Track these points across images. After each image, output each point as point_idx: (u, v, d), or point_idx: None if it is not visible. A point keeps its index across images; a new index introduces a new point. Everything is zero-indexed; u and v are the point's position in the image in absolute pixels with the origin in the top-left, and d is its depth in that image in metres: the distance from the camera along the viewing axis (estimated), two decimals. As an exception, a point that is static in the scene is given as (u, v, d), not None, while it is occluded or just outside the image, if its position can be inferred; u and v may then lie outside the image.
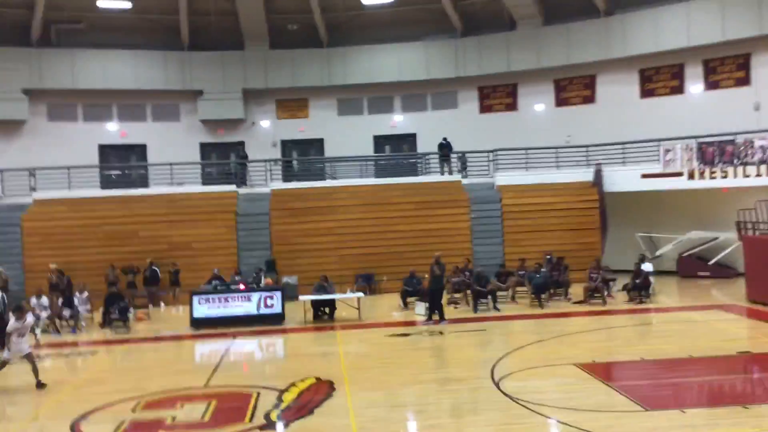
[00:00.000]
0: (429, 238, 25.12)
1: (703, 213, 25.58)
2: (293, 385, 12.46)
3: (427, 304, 19.01)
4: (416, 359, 14.60)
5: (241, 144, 31.57)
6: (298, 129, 32.00)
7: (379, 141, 32.14)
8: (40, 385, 12.57)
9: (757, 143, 22.66)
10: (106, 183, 30.02)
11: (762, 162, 22.45)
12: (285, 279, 23.54)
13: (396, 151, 32.12)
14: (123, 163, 31.54)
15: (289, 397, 11.72)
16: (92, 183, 28.80)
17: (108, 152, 31.58)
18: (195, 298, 19.33)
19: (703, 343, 14.51)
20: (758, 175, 22.52)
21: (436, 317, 18.39)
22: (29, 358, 12.66)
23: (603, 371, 12.63)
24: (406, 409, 11.26)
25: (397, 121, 32.15)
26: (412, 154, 31.39)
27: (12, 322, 12.67)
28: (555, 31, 29.56)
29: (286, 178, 29.61)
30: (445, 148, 28.95)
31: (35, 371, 12.67)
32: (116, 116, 31.56)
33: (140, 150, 31.65)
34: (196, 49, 31.46)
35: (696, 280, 24.68)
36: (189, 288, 21.53)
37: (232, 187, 27.71)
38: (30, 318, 12.97)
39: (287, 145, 32.33)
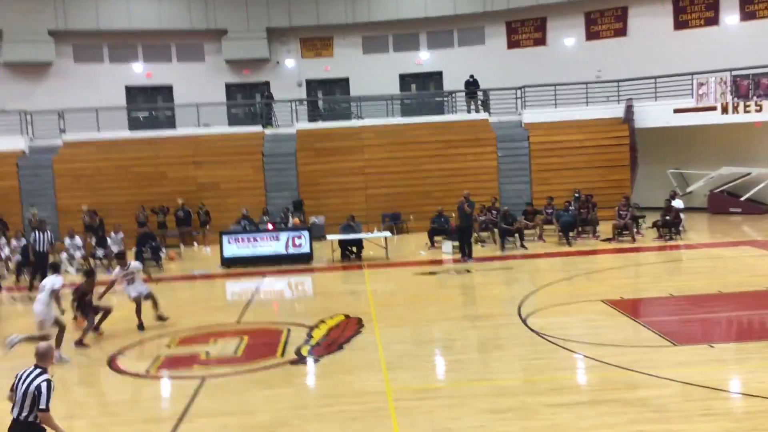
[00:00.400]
0: (455, 177, 25.03)
1: (736, 148, 25.07)
2: (322, 322, 12.67)
3: (456, 243, 19.04)
4: (443, 297, 14.72)
5: (267, 84, 31.40)
6: (324, 68, 31.68)
7: (405, 79, 31.74)
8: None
9: (795, 75, 21.98)
10: (133, 124, 30.18)
11: (799, 95, 21.81)
12: (312, 219, 23.70)
13: (422, 90, 31.74)
14: (149, 104, 31.60)
15: (318, 334, 11.94)
16: (120, 124, 28.98)
17: (134, 93, 31.65)
18: (225, 238, 19.57)
19: (732, 279, 14.40)
20: (794, 108, 21.91)
21: (468, 254, 18.45)
22: (151, 297, 13.01)
23: (631, 307, 12.64)
24: (433, 344, 11.41)
25: (423, 59, 31.65)
26: (438, 93, 31.00)
27: (117, 271, 13.03)
28: (586, -40, 28.66)
29: (312, 117, 29.50)
30: (471, 86, 28.52)
31: (155, 306, 12.99)
32: (141, 57, 31.49)
33: (166, 91, 31.66)
34: (219, -12, 31.09)
35: (727, 216, 24.36)
36: (218, 228, 21.79)
37: (258, 128, 27.71)
38: (134, 264, 13.20)
39: (312, 85, 32.09)
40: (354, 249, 19.74)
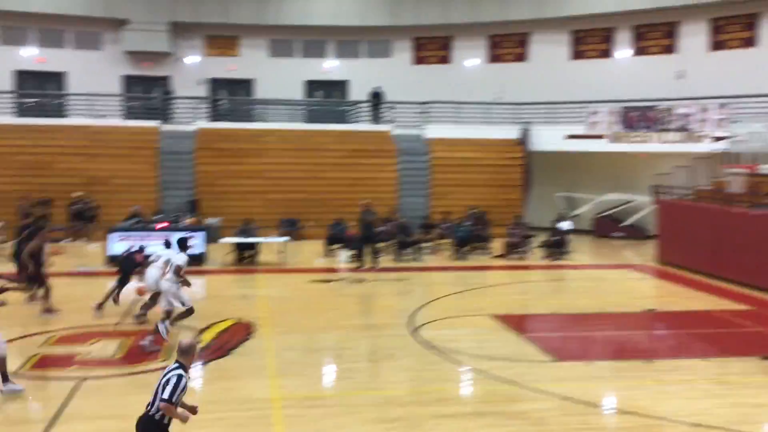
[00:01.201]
0: (356, 187, 25.10)
1: (621, 176, 26.41)
2: (212, 325, 12.37)
3: (354, 252, 19.13)
4: (337, 305, 14.70)
5: (167, 79, 30.51)
6: (228, 67, 31.12)
7: (311, 86, 31.64)
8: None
9: (678, 110, 23.41)
10: (21, 111, 28.55)
11: (681, 129, 23.24)
12: (208, 220, 23.15)
13: (327, 97, 31.72)
14: (40, 90, 30.04)
15: (207, 337, 11.65)
16: (6, 110, 27.38)
17: (25, 78, 29.99)
18: (112, 235, 18.79)
19: (612, 300, 15.13)
20: (676, 141, 23.33)
21: (366, 264, 18.54)
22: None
23: (517, 323, 13.04)
24: (324, 353, 11.36)
25: (330, 67, 31.66)
26: (344, 101, 31.07)
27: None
28: (491, -15, 29.53)
29: (214, 117, 28.88)
30: (376, 97, 28.77)
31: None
32: (35, 41, 29.91)
33: (59, 78, 30.18)
34: (122, -25, 30.02)
35: (610, 240, 25.60)
36: (108, 224, 20.91)
37: (156, 123, 26.86)
38: None
39: (215, 84, 31.44)
40: (250, 253, 19.42)
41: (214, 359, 10.51)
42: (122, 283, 13.17)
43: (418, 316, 13.33)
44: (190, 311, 11.69)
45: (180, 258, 11.45)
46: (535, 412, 8.46)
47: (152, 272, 12.04)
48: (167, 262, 11.50)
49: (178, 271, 11.31)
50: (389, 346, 11.51)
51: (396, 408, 8.58)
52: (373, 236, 18.98)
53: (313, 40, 31.36)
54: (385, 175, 25.95)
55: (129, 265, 13.13)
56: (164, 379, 6.09)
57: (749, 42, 25.13)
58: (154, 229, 19.43)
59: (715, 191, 18.85)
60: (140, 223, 20.47)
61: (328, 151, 25.99)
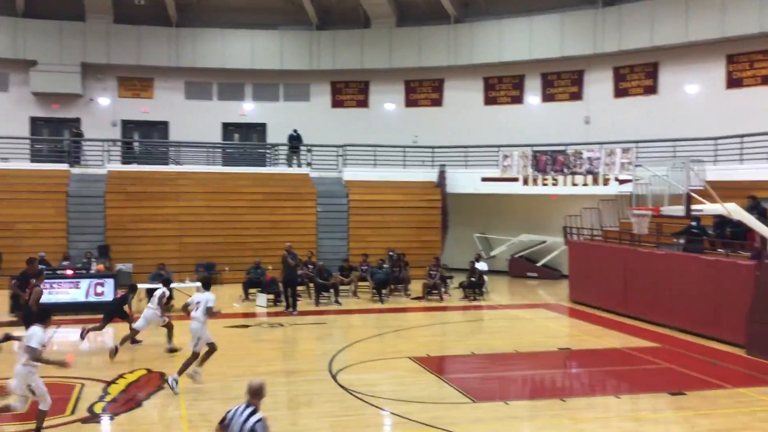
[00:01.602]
0: (274, 230, 24.90)
1: (534, 217, 27.20)
2: (121, 377, 11.87)
3: (271, 296, 18.90)
4: (255, 351, 14.40)
5: (77, 121, 29.67)
6: (142, 109, 30.55)
7: (228, 128, 31.39)
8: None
9: (585, 155, 24.39)
10: None
11: (589, 172, 24.19)
12: (119, 266, 22.39)
13: (245, 140, 31.52)
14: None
15: (116, 389, 11.16)
16: None
17: None
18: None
19: (528, 339, 15.40)
20: (585, 184, 24.25)
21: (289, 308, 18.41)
22: None
23: (436, 365, 13.09)
24: (241, 400, 11.03)
25: (248, 110, 31.54)
26: (261, 144, 30.92)
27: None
28: (407, 33, 30.23)
29: (126, 160, 28.19)
30: (295, 140, 28.79)
31: None
32: (-67, 80, 28.62)
33: (-39, 119, 28.87)
34: (31, 17, 29.18)
35: (525, 280, 26.18)
36: (12, 272, 19.89)
37: (64, 166, 25.96)
38: None
39: (128, 126, 30.76)
40: (162, 299, 18.81)
41: (125, 411, 10.06)
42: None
43: (338, 360, 13.20)
44: (212, 348, 11.61)
45: (211, 298, 11.50)
46: (454, 455, 8.45)
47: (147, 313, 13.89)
48: (195, 302, 11.61)
49: (208, 311, 11.38)
50: (309, 392, 11.33)
51: (314, 456, 8.41)
52: (295, 279, 18.85)
53: (229, 83, 31.21)
54: (304, 217, 25.85)
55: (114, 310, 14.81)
56: (247, 428, 5.83)
57: (650, 89, 26.55)
58: (61, 276, 18.63)
59: (622, 232, 19.63)
60: (47, 270, 19.59)
61: (246, 194, 25.72)
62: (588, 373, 12.98)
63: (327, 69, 30.77)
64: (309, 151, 28.49)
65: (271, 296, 19.60)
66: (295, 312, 18.23)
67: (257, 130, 31.52)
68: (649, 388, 11.46)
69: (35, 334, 8.60)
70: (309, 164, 28.31)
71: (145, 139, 30.81)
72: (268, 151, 30.06)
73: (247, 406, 6.08)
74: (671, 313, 16.19)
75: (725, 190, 16.85)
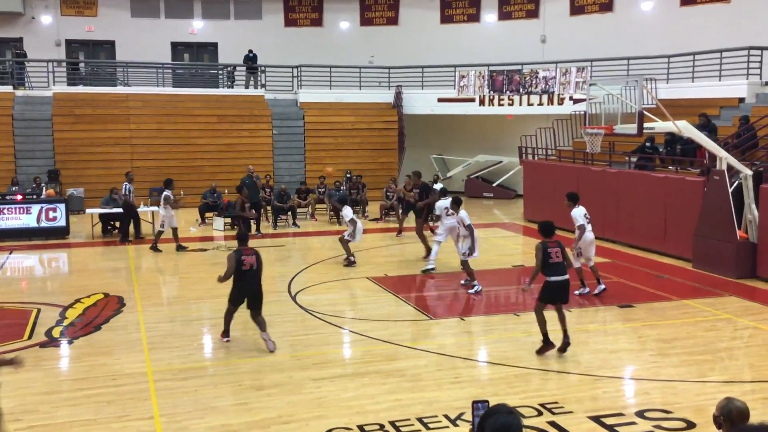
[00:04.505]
0: (229, 153, 24.58)
1: (491, 138, 27.30)
2: (78, 301, 11.81)
3: (228, 219, 18.85)
4: (213, 274, 14.33)
5: (19, 41, 28.37)
6: (86, 28, 29.30)
7: (178, 48, 30.39)
8: None
9: (541, 74, 24.38)
10: None
11: (544, 92, 24.24)
12: (70, 191, 21.95)
13: (195, 60, 30.61)
14: None
15: (73, 314, 11.12)
16: None
17: None
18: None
19: (483, 258, 15.58)
20: (540, 103, 24.33)
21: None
22: None
23: (394, 284, 13.30)
24: (201, 323, 11.15)
25: (197, 28, 30.49)
26: (214, 65, 30.07)
27: None
28: (362, -53, 29.35)
29: (72, 81, 27.21)
30: (251, 61, 28.05)
31: None
32: None
33: None
34: (-39, -73, 27.45)
35: (481, 200, 26.49)
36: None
37: (8, 89, 24.97)
38: None
39: (73, 46, 29.54)
40: (117, 224, 18.62)
41: (83, 335, 10.06)
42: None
43: (297, 282, 13.32)
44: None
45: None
46: (411, 369, 8.70)
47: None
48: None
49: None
50: (268, 313, 11.39)
51: (275, 374, 8.58)
52: (260, 202, 18.84)
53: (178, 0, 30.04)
54: (260, 140, 25.50)
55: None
56: None
57: (607, 7, 26.39)
58: (10, 201, 18.21)
59: (576, 151, 19.87)
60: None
61: (199, 117, 25.20)
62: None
63: (279, -15, 29.79)
64: (263, 72, 27.85)
65: (228, 220, 19.50)
66: (259, 234, 18.22)
67: (208, 50, 30.60)
68: (599, 301, 11.86)
69: None
70: (263, 86, 27.73)
71: (91, 59, 29.68)
72: (220, 71, 29.29)
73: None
74: (623, 230, 16.63)
75: (677, 108, 17.10)
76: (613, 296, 12.10)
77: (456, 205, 12.90)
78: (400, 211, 19.30)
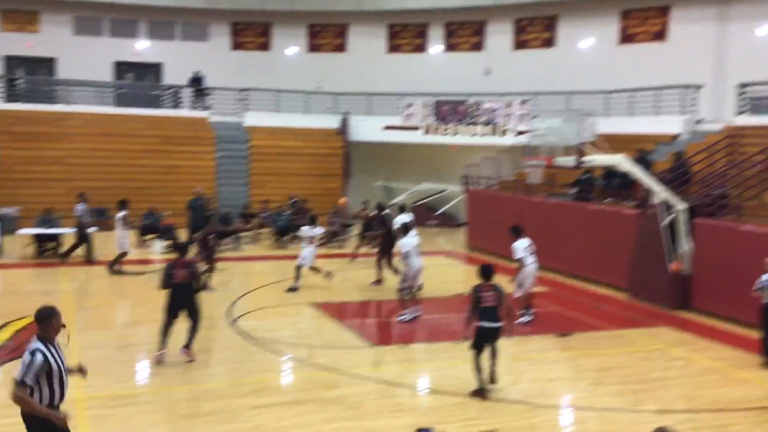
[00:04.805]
0: (171, 175, 24.22)
1: (435, 166, 27.60)
2: (7, 324, 11.35)
3: (167, 242, 18.50)
4: (150, 298, 14.05)
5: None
6: (27, 44, 28.61)
7: (121, 68, 29.91)
8: None
9: (485, 105, 24.83)
10: None
11: (488, 123, 24.68)
12: (2, 210, 21.22)
13: (139, 80, 30.16)
14: None
15: (2, 337, 10.67)
16: None
17: None
18: None
19: (426, 285, 15.68)
20: (484, 134, 24.75)
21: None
22: None
23: (336, 310, 13.23)
24: (135, 348, 10.85)
25: (142, 48, 30.11)
26: (159, 85, 29.66)
27: None
28: (311, -25, 29.54)
29: (10, 98, 26.45)
30: (196, 82, 27.78)
31: None
32: None
33: None
34: None
35: (425, 228, 26.62)
36: None
37: (-59, 104, 24.15)
38: None
39: (12, 62, 28.78)
40: (52, 245, 18.07)
41: (11, 360, 9.65)
42: None
43: (237, 307, 13.12)
44: None
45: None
46: (351, 397, 8.64)
47: None
48: None
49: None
50: (206, 339, 11.22)
51: (212, 401, 8.40)
52: (204, 225, 18.48)
53: (122, 19, 29.64)
54: (202, 163, 25.20)
55: None
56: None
57: (549, 43, 27.17)
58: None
59: (517, 181, 20.24)
60: None
61: (140, 137, 24.78)
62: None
63: (226, 9, 29.69)
64: (208, 94, 27.62)
65: (169, 242, 19.13)
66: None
67: (153, 70, 30.20)
68: (538, 331, 12.02)
69: None
70: (208, 108, 27.48)
71: (30, 75, 28.93)
72: (164, 92, 28.91)
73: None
74: (561, 260, 16.93)
75: (616, 142, 17.58)
76: (550, 325, 12.28)
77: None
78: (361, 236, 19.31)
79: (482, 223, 20.84)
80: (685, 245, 13.86)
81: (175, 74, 28.84)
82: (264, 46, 30.64)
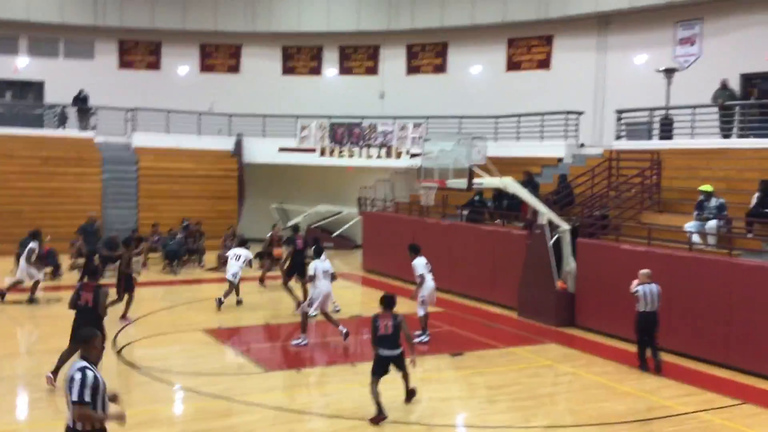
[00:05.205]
0: (54, 198, 23.09)
1: (331, 188, 27.63)
2: None
3: (49, 268, 17.58)
4: (30, 328, 13.31)
5: None
6: None
7: (-1, 85, 28.36)
8: None
9: (380, 128, 25.14)
10: None
11: (383, 145, 24.98)
12: None
13: (19, 99, 28.65)
14: None
15: None
16: None
17: None
18: None
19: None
20: (379, 156, 25.04)
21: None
22: None
23: (228, 336, 12.94)
24: (11, 382, 10.22)
25: (22, 66, 28.63)
26: (40, 104, 28.24)
27: None
28: (203, -6, 29.12)
29: None
30: (81, 102, 26.65)
31: None
32: None
33: None
34: None
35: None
36: None
37: None
38: None
39: None
40: None
41: None
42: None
43: (124, 335, 12.59)
44: None
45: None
46: (243, 425, 8.43)
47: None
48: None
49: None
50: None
51: (96, 436, 7.97)
52: (97, 250, 17.79)
53: (1, 35, 28.13)
54: (88, 185, 24.15)
55: None
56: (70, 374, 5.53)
57: (440, 68, 27.87)
58: None
59: (412, 203, 20.54)
60: None
61: (19, 158, 23.53)
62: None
63: (114, 26, 28.70)
64: (94, 113, 26.58)
65: (49, 269, 18.17)
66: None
67: (34, 88, 28.77)
68: (433, 350, 12.17)
69: None
70: (94, 128, 26.43)
71: None
72: (46, 111, 27.57)
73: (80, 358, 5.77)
74: (455, 280, 17.24)
75: (504, 165, 18.17)
76: (444, 345, 12.48)
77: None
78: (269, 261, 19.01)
79: (378, 244, 20.99)
80: (570, 264, 14.45)
81: (58, 93, 27.51)
82: (154, 65, 29.84)
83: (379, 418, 8.72)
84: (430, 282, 12.62)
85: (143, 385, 9.97)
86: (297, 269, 15.21)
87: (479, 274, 16.82)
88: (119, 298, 13.75)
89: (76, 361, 5.64)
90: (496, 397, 9.86)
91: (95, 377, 5.49)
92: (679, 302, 12.05)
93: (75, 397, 5.38)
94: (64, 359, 9.40)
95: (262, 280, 18.55)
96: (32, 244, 15.48)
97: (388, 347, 8.94)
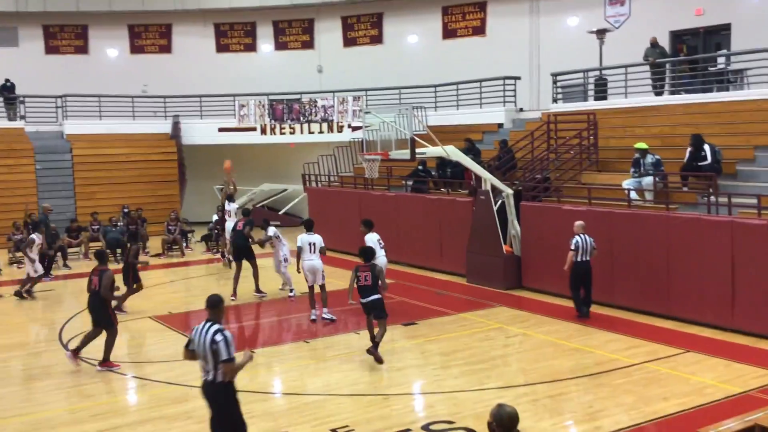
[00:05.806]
0: (-15, 192, 22.28)
1: (275, 166, 27.35)
2: None
3: None
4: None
5: None
6: None
7: None
8: None
9: (320, 103, 24.95)
10: None
11: (324, 120, 24.82)
12: None
13: (-60, 91, 27.40)
14: None
15: None
16: None
17: None
18: None
19: (271, 287, 15.55)
20: (321, 131, 24.87)
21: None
22: None
23: (179, 322, 12.79)
24: (-44, 385, 9.89)
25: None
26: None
27: None
28: (130, -27, 28.18)
29: None
30: (7, 91, 25.65)
31: None
32: None
33: None
34: None
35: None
36: None
37: None
38: None
39: None
40: None
41: None
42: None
43: (70, 329, 12.32)
44: None
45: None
46: (199, 410, 8.32)
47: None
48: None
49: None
50: (40, 365, 10.49)
51: (50, 431, 7.84)
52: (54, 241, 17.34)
53: None
54: (21, 177, 23.36)
55: None
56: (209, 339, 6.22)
57: (377, 39, 27.69)
58: None
59: (356, 177, 20.51)
60: None
61: (-54, 153, 22.59)
62: (331, 313, 13.53)
63: (37, 11, 27.63)
64: (22, 102, 25.64)
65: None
66: (48, 278, 16.83)
67: (-45, 79, 27.54)
68: (387, 321, 12.24)
69: None
70: (23, 117, 25.52)
71: None
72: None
73: (207, 322, 6.31)
74: (404, 251, 17.36)
75: (445, 133, 18.31)
76: (397, 315, 12.58)
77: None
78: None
79: (325, 220, 20.85)
80: (515, 228, 14.70)
81: (-19, 82, 26.46)
82: (82, 50, 28.86)
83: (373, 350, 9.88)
84: (382, 258, 12.65)
85: (94, 377, 9.80)
86: (242, 252, 15.08)
87: (427, 243, 16.96)
88: (129, 290, 13.44)
89: (209, 325, 6.22)
90: (449, 363, 10.02)
91: (231, 335, 6.22)
92: (621, 258, 12.42)
93: (225, 356, 6.10)
94: (89, 339, 10.07)
95: (224, 255, 18.35)
96: (34, 236, 15.49)
97: (365, 295, 10.05)
